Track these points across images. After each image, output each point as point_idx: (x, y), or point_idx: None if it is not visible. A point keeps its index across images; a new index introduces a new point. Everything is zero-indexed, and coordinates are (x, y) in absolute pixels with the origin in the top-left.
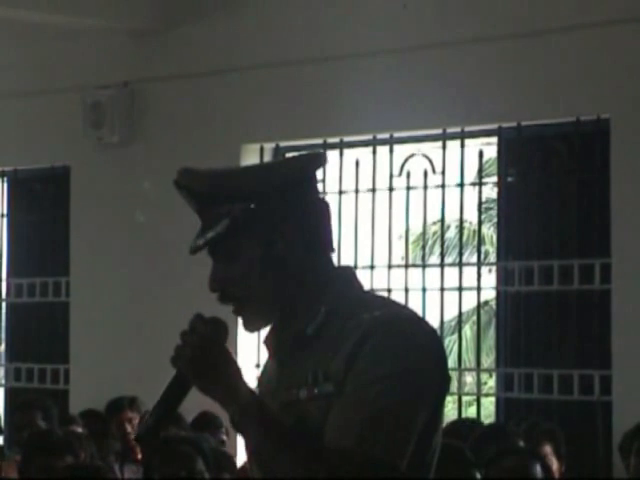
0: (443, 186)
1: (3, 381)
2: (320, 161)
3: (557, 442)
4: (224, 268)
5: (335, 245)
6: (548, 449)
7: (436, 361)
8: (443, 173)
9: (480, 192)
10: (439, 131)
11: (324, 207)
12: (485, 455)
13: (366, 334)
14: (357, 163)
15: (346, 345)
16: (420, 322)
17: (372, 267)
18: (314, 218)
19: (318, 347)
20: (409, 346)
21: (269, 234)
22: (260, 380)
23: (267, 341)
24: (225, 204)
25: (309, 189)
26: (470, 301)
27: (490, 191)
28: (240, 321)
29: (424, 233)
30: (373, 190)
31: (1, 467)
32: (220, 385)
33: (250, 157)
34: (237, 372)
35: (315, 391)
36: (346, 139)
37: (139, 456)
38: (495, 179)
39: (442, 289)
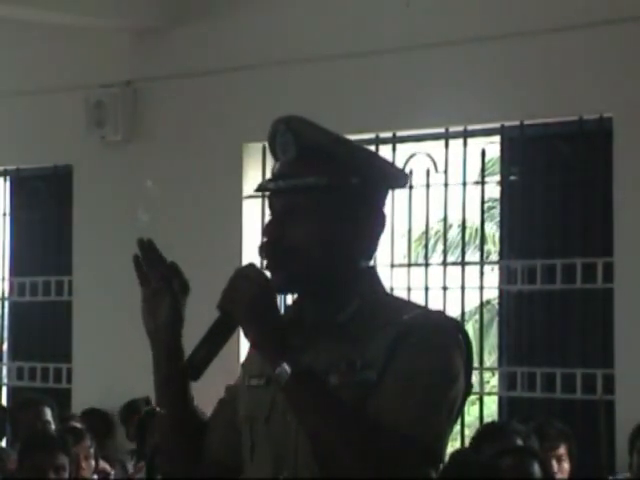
0: (446, 185)
1: (6, 380)
2: (405, 182)
3: (570, 442)
4: (289, 223)
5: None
6: (563, 450)
7: (466, 366)
8: (446, 172)
9: (483, 191)
10: (442, 130)
11: (385, 220)
12: (485, 454)
13: (407, 330)
14: None
15: (381, 340)
16: (458, 325)
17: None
18: (380, 222)
19: (346, 337)
20: (449, 347)
21: (350, 214)
22: (248, 361)
23: (292, 323)
24: (328, 165)
25: (386, 198)
26: (472, 300)
27: (493, 190)
28: (271, 277)
29: (427, 232)
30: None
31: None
32: (271, 338)
33: (251, 156)
34: (285, 331)
35: (353, 378)
36: (348, 138)
37: None
38: (498, 178)
39: (444, 288)
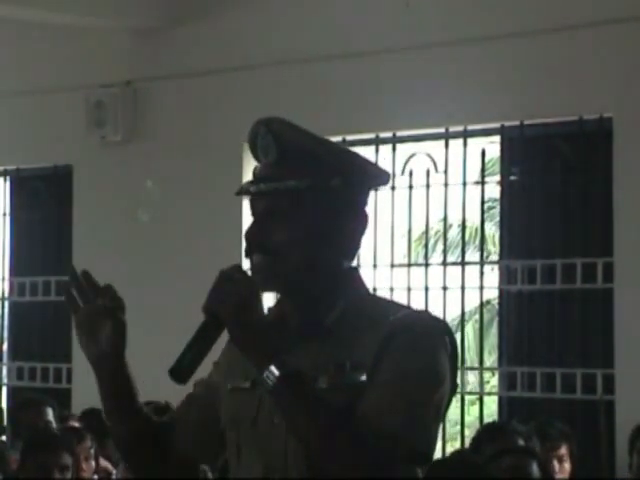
0: (446, 185)
1: (5, 380)
2: (387, 180)
3: (571, 443)
4: (271, 225)
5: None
6: (564, 450)
7: (451, 367)
8: (446, 172)
9: (483, 191)
10: (442, 130)
11: (367, 220)
12: (484, 454)
13: (394, 331)
14: None
15: (368, 341)
16: (445, 326)
17: (375, 266)
18: (362, 222)
19: (332, 339)
20: (436, 348)
21: (331, 215)
22: (221, 362)
23: (276, 325)
24: (309, 166)
25: (368, 198)
26: (472, 300)
27: (493, 190)
28: (256, 278)
29: (427, 232)
30: (375, 189)
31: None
32: (258, 340)
33: (251, 156)
34: (272, 333)
35: (343, 380)
36: (348, 138)
37: None
38: (498, 178)
39: (444, 288)
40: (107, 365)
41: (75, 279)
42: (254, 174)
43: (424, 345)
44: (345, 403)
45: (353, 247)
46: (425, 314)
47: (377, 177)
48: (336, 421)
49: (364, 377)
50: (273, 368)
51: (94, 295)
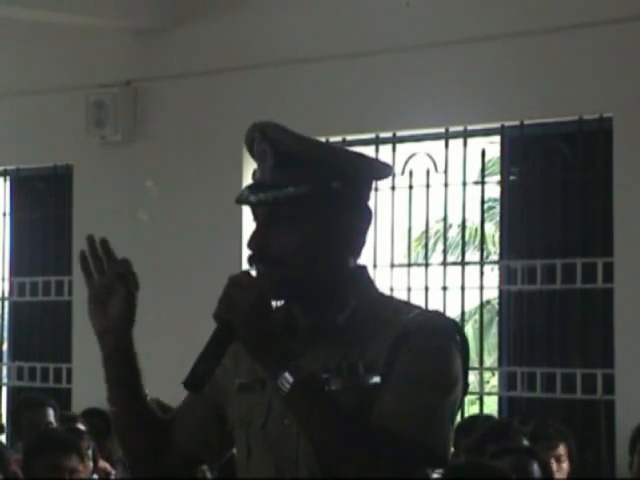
0: (446, 185)
1: (5, 380)
2: (389, 172)
3: (569, 442)
4: (273, 232)
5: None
6: (562, 450)
7: (463, 366)
8: (446, 172)
9: (483, 191)
10: (442, 130)
11: (371, 214)
12: (486, 454)
13: (407, 332)
14: None
15: (380, 342)
16: (456, 325)
17: (375, 266)
18: (366, 218)
19: (344, 340)
20: (449, 348)
21: (334, 217)
22: (227, 362)
23: (285, 328)
24: (308, 171)
25: (370, 192)
26: (472, 300)
27: (493, 190)
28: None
29: (427, 232)
30: (375, 189)
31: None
32: (271, 347)
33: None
34: (283, 338)
35: (357, 382)
36: (348, 138)
37: None
38: (498, 178)
39: (444, 288)
40: (112, 339)
41: (92, 246)
42: (254, 178)
43: (437, 346)
44: (358, 404)
45: (359, 244)
46: (436, 314)
47: (378, 171)
48: (352, 424)
49: (377, 378)
50: (287, 375)
51: (110, 265)
